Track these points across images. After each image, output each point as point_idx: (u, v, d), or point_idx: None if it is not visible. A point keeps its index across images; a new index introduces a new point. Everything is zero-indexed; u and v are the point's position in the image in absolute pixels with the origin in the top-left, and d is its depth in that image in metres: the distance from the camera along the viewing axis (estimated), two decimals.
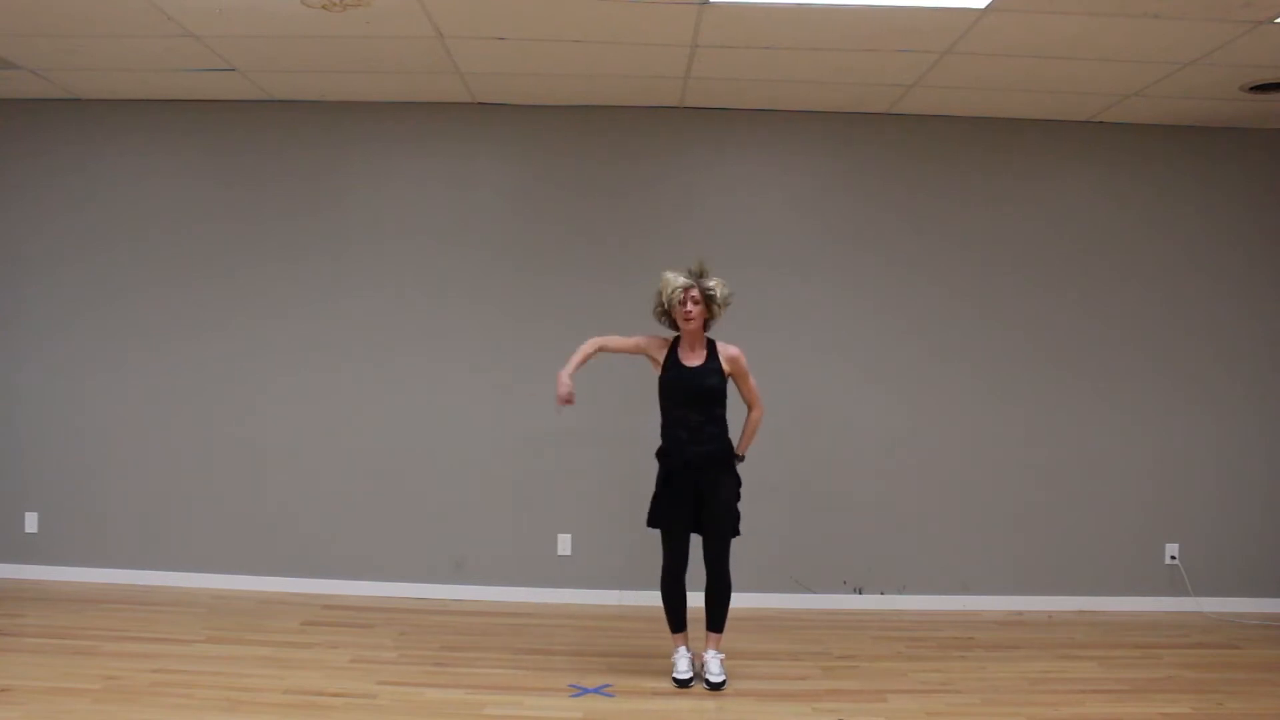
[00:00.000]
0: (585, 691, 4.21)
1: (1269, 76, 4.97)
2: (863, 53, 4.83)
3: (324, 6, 4.38)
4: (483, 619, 5.32)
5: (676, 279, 4.27)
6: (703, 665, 4.35)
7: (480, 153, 5.84)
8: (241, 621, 5.10)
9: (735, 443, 4.39)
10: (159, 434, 5.80)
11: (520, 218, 5.81)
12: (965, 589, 5.74)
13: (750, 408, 4.43)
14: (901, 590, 5.74)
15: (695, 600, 4.43)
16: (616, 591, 5.69)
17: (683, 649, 4.39)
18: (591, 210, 5.80)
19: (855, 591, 5.75)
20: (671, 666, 4.36)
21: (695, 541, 4.39)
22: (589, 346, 4.37)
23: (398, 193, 5.82)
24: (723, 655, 4.37)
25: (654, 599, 5.59)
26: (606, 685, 4.29)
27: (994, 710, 4.09)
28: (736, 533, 4.36)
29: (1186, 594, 5.73)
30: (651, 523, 4.37)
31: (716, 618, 4.37)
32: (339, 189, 5.82)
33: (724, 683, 4.28)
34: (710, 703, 4.13)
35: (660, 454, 4.36)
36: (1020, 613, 5.67)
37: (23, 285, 5.86)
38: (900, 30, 4.55)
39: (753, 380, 4.40)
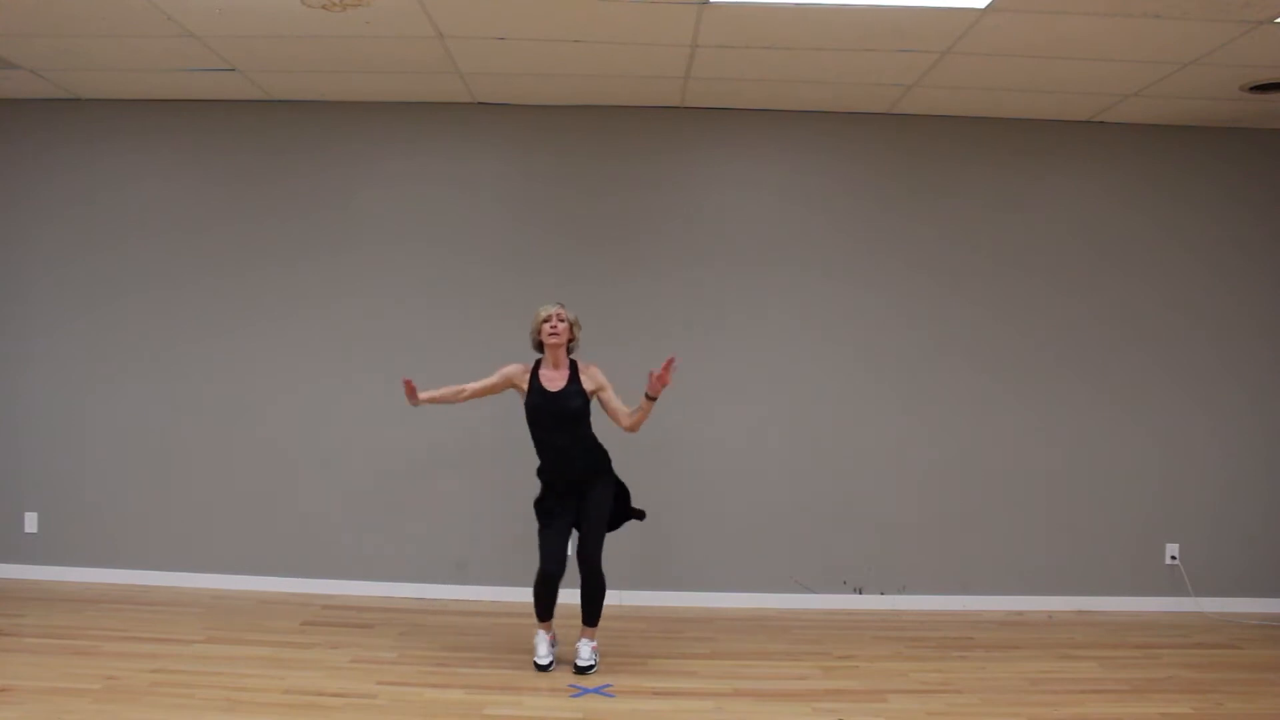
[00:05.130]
0: (585, 691, 4.21)
1: (1269, 76, 4.97)
2: (863, 53, 4.83)
3: (324, 6, 4.39)
4: (483, 619, 5.32)
5: (546, 307, 4.50)
6: (575, 653, 4.50)
7: (480, 153, 5.84)
8: (241, 621, 5.10)
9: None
10: (159, 434, 5.80)
11: (520, 218, 5.81)
12: (965, 589, 5.74)
13: (619, 422, 4.50)
14: (901, 590, 5.74)
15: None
16: (616, 591, 5.67)
17: (542, 633, 4.55)
18: (591, 210, 5.80)
19: (855, 591, 5.75)
20: (534, 650, 4.54)
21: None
22: (447, 391, 4.56)
23: (398, 193, 5.81)
24: (594, 644, 4.54)
25: (653, 598, 5.64)
26: (606, 685, 4.29)
27: (994, 710, 4.09)
28: (630, 519, 4.61)
29: (1186, 594, 5.73)
30: (539, 539, 4.50)
31: (593, 614, 4.52)
32: (339, 189, 5.82)
33: (592, 666, 4.46)
34: (709, 702, 4.12)
35: (541, 474, 4.53)
36: (1020, 613, 5.67)
37: (23, 285, 5.86)
38: (900, 30, 4.54)
39: (613, 398, 4.51)
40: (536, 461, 5.71)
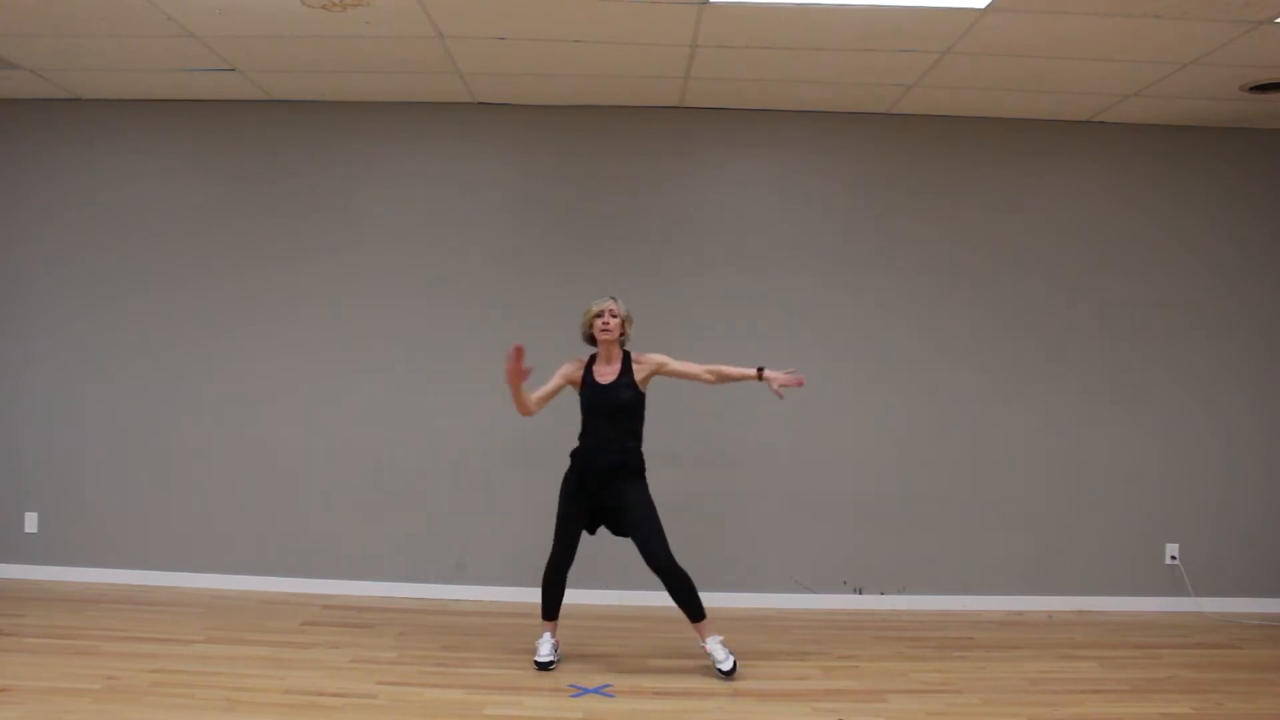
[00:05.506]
0: (585, 691, 4.21)
1: (1269, 76, 4.97)
2: (863, 53, 4.83)
3: (324, 6, 4.39)
4: (483, 619, 5.32)
5: (599, 302, 4.51)
6: (711, 655, 4.43)
7: (480, 153, 5.84)
8: (241, 621, 5.10)
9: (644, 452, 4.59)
10: (159, 434, 5.80)
11: (520, 218, 5.81)
12: (965, 589, 5.74)
13: (707, 373, 4.55)
14: (901, 590, 5.74)
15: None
16: (615, 591, 5.69)
17: (548, 635, 4.57)
18: (591, 210, 5.80)
19: (855, 591, 5.75)
20: (535, 650, 4.54)
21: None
22: (524, 397, 4.46)
23: (398, 193, 5.81)
24: (720, 637, 4.46)
25: (655, 599, 5.60)
26: (606, 685, 4.29)
27: (994, 710, 4.08)
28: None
29: (1186, 594, 5.73)
30: (557, 525, 4.56)
31: (693, 609, 4.45)
32: (339, 189, 5.82)
33: (734, 667, 4.38)
34: (709, 702, 4.12)
35: (573, 457, 4.56)
36: (1020, 613, 5.67)
37: (23, 285, 5.86)
38: (900, 30, 4.55)
39: (680, 364, 4.55)
40: (535, 460, 5.74)
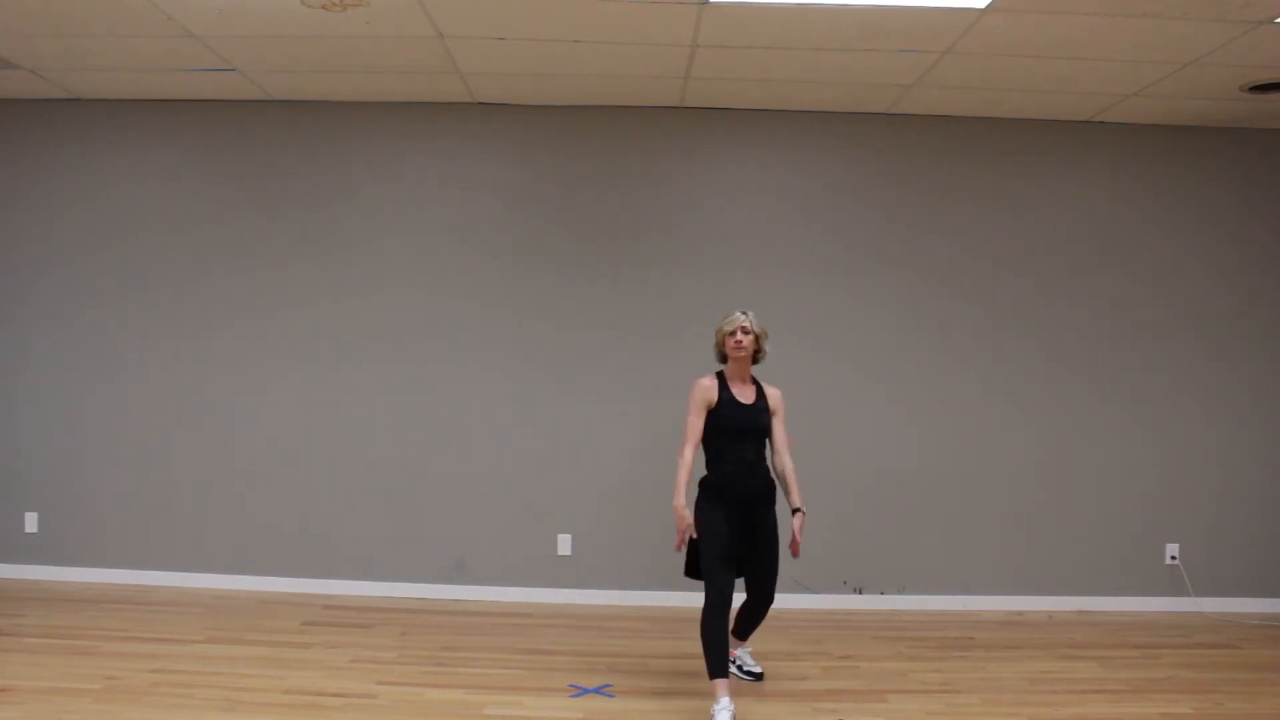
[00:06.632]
0: (585, 691, 4.21)
1: (1269, 76, 4.97)
2: (863, 53, 4.83)
3: (324, 6, 4.39)
4: (483, 619, 5.32)
5: (735, 317, 4.21)
6: (742, 661, 4.52)
7: (480, 152, 5.84)
8: (241, 621, 5.10)
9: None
10: (159, 434, 5.80)
11: (520, 218, 5.81)
12: (965, 589, 5.74)
13: (780, 453, 4.30)
14: (901, 590, 5.75)
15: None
16: (617, 591, 5.69)
17: (727, 699, 3.88)
18: (591, 210, 5.80)
19: (855, 591, 5.75)
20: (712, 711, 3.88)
21: None
22: (684, 465, 4.12)
23: (398, 193, 5.81)
24: (751, 649, 4.57)
25: (653, 599, 5.63)
26: (606, 685, 4.29)
27: (994, 710, 4.09)
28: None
29: (1186, 594, 5.73)
30: (706, 565, 4.04)
31: (749, 630, 4.48)
32: (339, 189, 5.82)
33: (761, 674, 4.47)
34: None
35: (711, 487, 4.15)
36: (1020, 613, 5.67)
37: (23, 285, 5.86)
38: (900, 30, 4.55)
39: (780, 420, 4.33)
40: (536, 460, 5.75)
